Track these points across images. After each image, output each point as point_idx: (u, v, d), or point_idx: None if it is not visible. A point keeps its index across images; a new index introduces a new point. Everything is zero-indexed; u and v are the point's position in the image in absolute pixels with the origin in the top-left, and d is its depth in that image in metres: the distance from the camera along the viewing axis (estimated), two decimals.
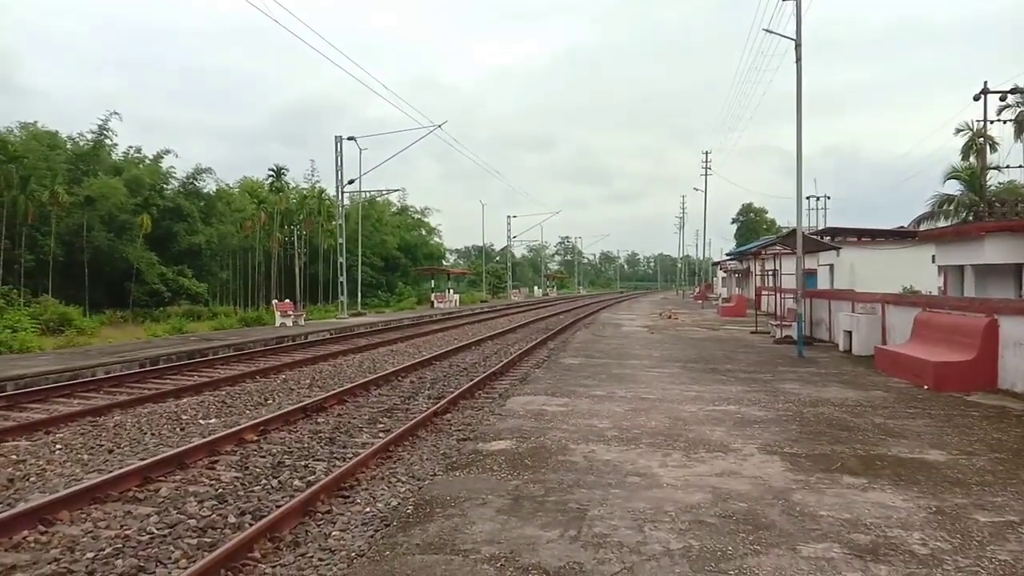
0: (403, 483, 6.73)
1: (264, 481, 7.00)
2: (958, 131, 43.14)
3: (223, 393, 12.46)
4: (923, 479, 6.21)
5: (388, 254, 74.99)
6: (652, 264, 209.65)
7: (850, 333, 18.17)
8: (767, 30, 17.66)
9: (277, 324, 28.99)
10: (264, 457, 7.95)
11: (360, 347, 20.30)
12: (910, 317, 15.12)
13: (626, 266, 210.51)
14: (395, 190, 64.81)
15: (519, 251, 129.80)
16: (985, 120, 29.53)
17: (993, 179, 42.14)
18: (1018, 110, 40.01)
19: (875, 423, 8.91)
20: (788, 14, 18.04)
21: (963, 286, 20.68)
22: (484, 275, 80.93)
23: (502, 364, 15.69)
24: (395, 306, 54.35)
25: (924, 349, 13.20)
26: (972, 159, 43.23)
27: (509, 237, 76.08)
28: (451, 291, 56.27)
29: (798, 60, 17.04)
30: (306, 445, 8.50)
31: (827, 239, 30.61)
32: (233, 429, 8.90)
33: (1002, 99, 31.37)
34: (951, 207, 42.53)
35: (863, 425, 8.75)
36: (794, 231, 23.96)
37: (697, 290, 74.59)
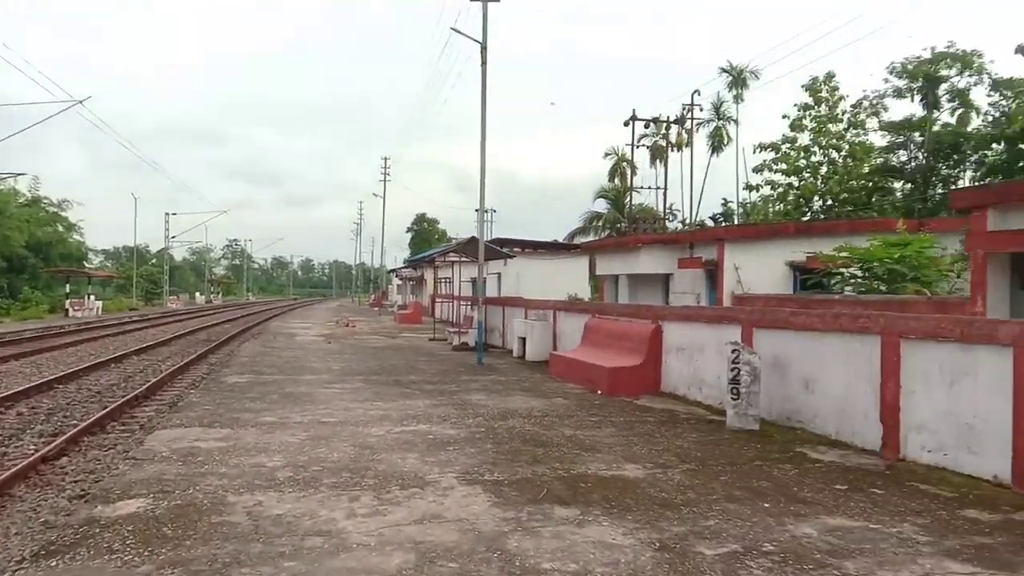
0: None
1: None
2: (606, 155, 48.42)
3: None
4: (632, 503, 5.76)
5: (12, 253, 62.74)
6: (327, 271, 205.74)
7: (524, 339, 18.55)
8: (454, 29, 17.34)
9: None
10: None
11: None
12: (580, 323, 15.70)
13: (300, 272, 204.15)
14: (17, 174, 53.78)
15: (180, 253, 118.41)
16: (632, 144, 33.04)
17: (636, 198, 47.86)
18: (653, 139, 45.87)
19: (566, 435, 8.58)
20: (473, 25, 17.94)
21: (618, 293, 22.54)
22: (135, 279, 71.75)
23: (148, 385, 13.12)
24: (17, 315, 45.39)
25: (595, 354, 13.64)
26: (617, 180, 48.73)
27: (167, 237, 68.66)
28: (92, 297, 48.73)
29: (484, 63, 16.94)
30: None
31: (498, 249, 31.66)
32: None
33: (646, 127, 35.47)
34: (600, 223, 47.51)
35: (555, 439, 8.35)
36: (471, 239, 24.26)
37: (373, 297, 74.20)
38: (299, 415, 9.67)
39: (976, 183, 31.55)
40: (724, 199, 48.01)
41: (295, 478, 6.38)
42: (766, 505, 5.75)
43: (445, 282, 39.77)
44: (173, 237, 69.35)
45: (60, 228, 77.05)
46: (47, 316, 42.69)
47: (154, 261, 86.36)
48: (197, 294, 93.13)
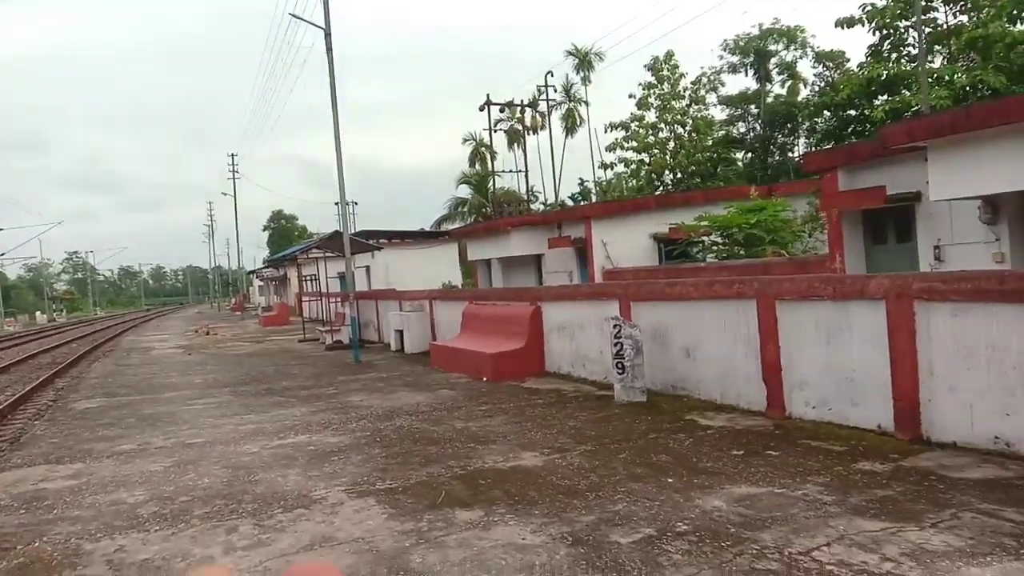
0: None
1: None
2: (465, 140, 48.02)
3: None
4: (536, 495, 5.49)
5: None
6: (181, 277, 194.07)
7: (401, 332, 18.02)
8: (294, 15, 16.37)
9: None
10: None
11: None
12: (458, 311, 15.37)
13: (151, 281, 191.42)
14: None
15: (13, 271, 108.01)
16: (491, 129, 32.86)
17: (499, 182, 47.89)
18: (509, 124, 46.01)
19: (457, 429, 8.23)
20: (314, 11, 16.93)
21: (491, 278, 22.37)
22: None
23: None
24: None
25: (477, 341, 13.35)
26: (478, 166, 48.56)
27: None
28: None
29: (329, 50, 16.11)
30: None
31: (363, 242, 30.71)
32: None
33: (501, 111, 35.37)
34: (465, 208, 47.25)
35: (447, 434, 7.99)
36: (334, 233, 23.35)
37: (234, 301, 70.59)
38: (161, 439, 8.77)
39: (813, 149, 33.73)
40: (581, 179, 48.93)
41: (161, 513, 5.67)
42: (670, 480, 5.65)
43: (311, 279, 38.26)
44: (2, 255, 62.94)
45: None
46: None
47: None
48: (38, 313, 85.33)
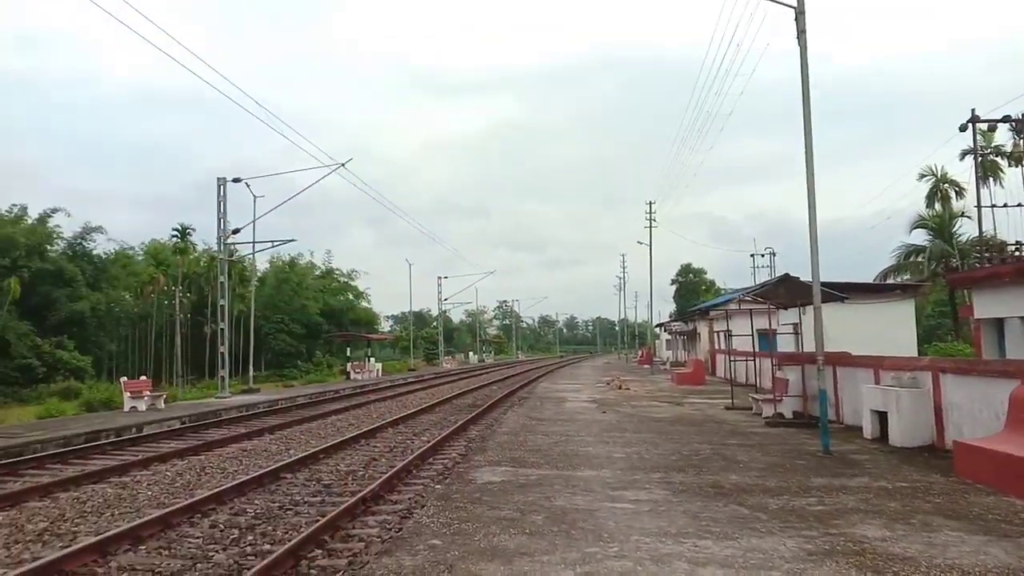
0: None
1: None
2: (922, 176, 39.83)
3: None
4: None
5: (310, 320, 68.00)
6: (591, 327, 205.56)
7: (884, 414, 12.99)
8: None
9: (126, 408, 22.42)
10: None
11: (191, 448, 14.10)
12: (996, 393, 10.05)
13: (565, 330, 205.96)
14: (288, 240, 57.52)
15: (456, 315, 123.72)
16: (976, 152, 25.47)
17: (962, 227, 38.92)
18: (984, 153, 36.88)
19: None
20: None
21: (1005, 346, 15.94)
22: (411, 341, 74.32)
23: (385, 478, 10.04)
24: (304, 378, 47.53)
25: None
26: (937, 206, 39.92)
27: (440, 299, 70.29)
28: (372, 359, 49.89)
29: (801, 32, 12.22)
30: None
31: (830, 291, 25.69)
32: None
33: (990, 128, 27.64)
34: (921, 257, 38.83)
35: None
36: (781, 279, 19.08)
37: (641, 354, 69.63)
38: (570, 570, 5.53)
39: None
40: None
41: None
42: None
43: (721, 335, 34.34)
44: (445, 299, 70.86)
45: (351, 296, 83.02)
46: (330, 380, 43.85)
47: (434, 324, 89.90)
48: (471, 353, 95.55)
